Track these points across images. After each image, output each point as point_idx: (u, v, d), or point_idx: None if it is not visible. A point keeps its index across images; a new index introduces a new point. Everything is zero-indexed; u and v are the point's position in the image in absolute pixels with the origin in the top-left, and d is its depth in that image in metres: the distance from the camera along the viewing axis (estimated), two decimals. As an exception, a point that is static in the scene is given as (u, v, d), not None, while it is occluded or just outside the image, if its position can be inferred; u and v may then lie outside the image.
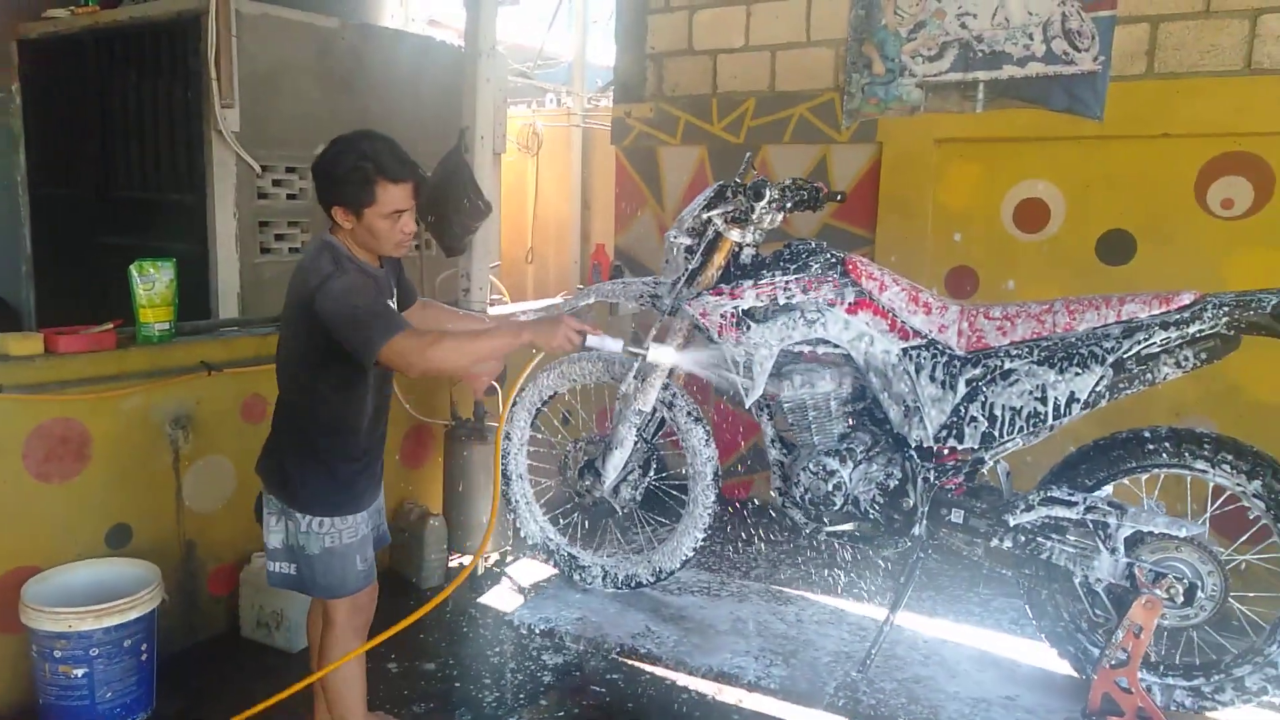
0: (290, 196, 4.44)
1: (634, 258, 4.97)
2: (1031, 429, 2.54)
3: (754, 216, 2.83)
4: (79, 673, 2.60)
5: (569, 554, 3.46)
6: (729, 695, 2.91)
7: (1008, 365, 2.53)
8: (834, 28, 4.17)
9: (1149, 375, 2.45)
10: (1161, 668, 2.60)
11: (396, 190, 2.22)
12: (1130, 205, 3.58)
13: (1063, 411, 2.49)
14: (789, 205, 2.94)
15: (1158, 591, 2.39)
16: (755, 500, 4.58)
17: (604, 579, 3.39)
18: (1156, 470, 2.55)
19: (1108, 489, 2.61)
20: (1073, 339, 2.48)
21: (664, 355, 2.34)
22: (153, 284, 2.99)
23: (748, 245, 2.94)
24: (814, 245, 2.85)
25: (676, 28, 4.67)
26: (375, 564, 2.48)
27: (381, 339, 2.11)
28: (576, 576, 3.43)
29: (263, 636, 3.18)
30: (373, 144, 2.24)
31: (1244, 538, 2.69)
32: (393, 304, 2.42)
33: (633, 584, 3.35)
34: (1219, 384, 3.42)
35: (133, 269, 2.97)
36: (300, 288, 2.22)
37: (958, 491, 2.68)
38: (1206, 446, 2.47)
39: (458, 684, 2.99)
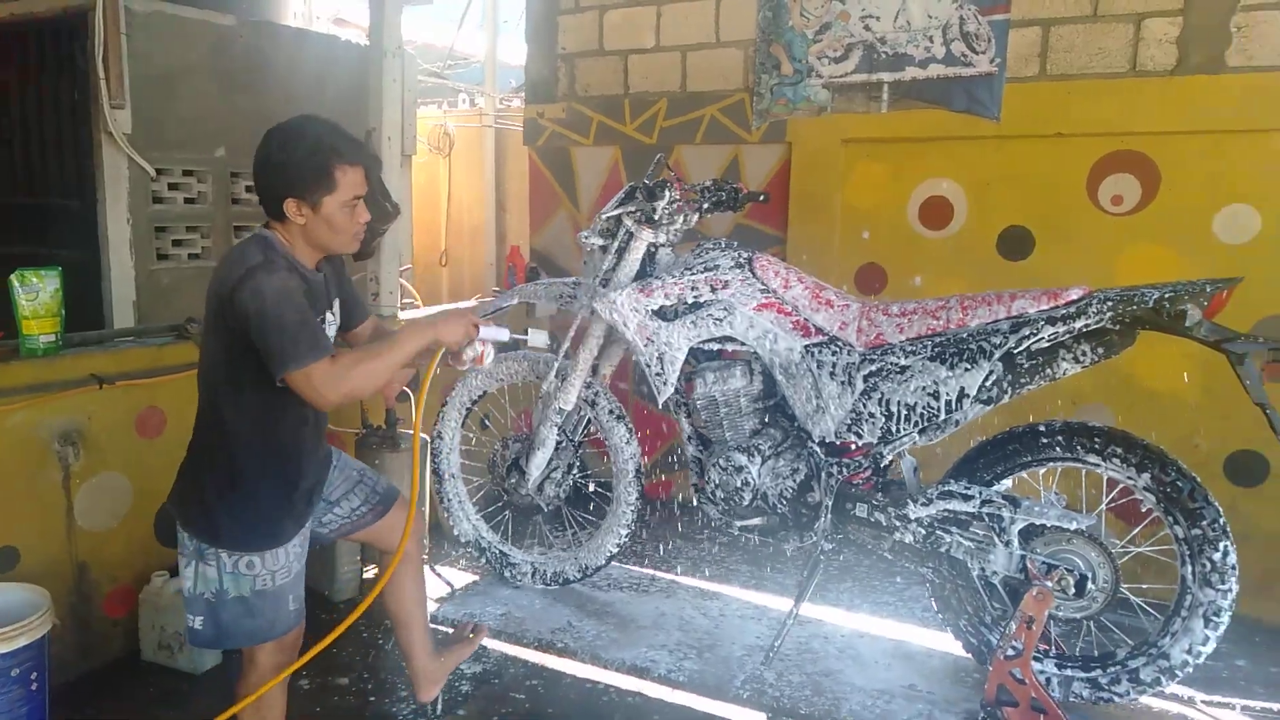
0: (188, 200, 4.28)
1: (550, 259, 4.93)
2: (927, 425, 2.57)
3: (657, 217, 2.85)
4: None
5: (500, 551, 3.50)
6: (650, 694, 2.91)
7: (903, 362, 2.55)
8: (743, 29, 4.21)
9: (1048, 370, 2.49)
10: (1060, 659, 2.66)
11: (354, 173, 2.09)
12: (1028, 202, 3.70)
13: (954, 407, 2.51)
14: (705, 206, 2.99)
15: (1048, 584, 2.44)
16: (680, 497, 4.60)
17: (533, 575, 3.43)
18: (1051, 464, 2.60)
19: (1006, 483, 2.66)
20: (964, 335, 2.50)
21: (543, 339, 2.41)
22: (36, 294, 2.84)
23: (662, 245, 2.96)
24: (724, 244, 2.89)
25: (587, 28, 4.65)
26: (304, 603, 2.26)
27: (299, 358, 1.92)
28: (507, 574, 3.46)
29: (165, 659, 3.05)
30: (323, 126, 2.11)
31: (1138, 529, 2.81)
32: (333, 316, 2.24)
33: (560, 580, 3.39)
34: (1114, 375, 3.56)
35: (13, 279, 2.81)
36: (221, 281, 2.00)
37: (865, 486, 2.72)
38: (1097, 440, 2.52)
39: (372, 699, 2.92)
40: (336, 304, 2.28)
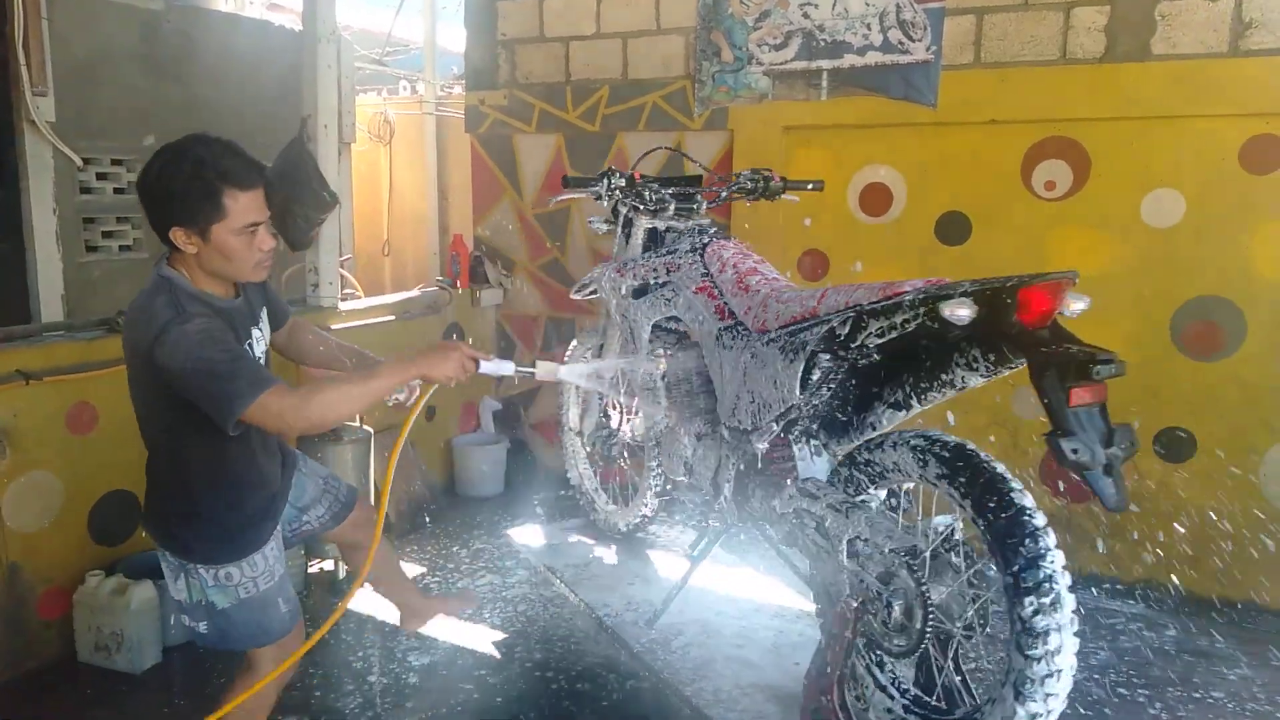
0: (118, 190, 4.16)
1: (494, 247, 4.89)
2: (780, 416, 2.32)
3: (645, 205, 2.96)
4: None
5: (591, 498, 3.70)
6: (597, 684, 2.93)
7: (761, 348, 2.38)
8: (683, 16, 4.21)
9: (944, 377, 2.08)
10: (914, 702, 2.22)
11: (247, 199, 1.91)
12: (964, 188, 3.77)
13: (786, 399, 2.25)
14: (724, 194, 3.01)
15: (852, 601, 2.12)
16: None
17: (604, 521, 3.63)
18: (900, 478, 2.23)
19: (872, 489, 2.33)
20: (801, 325, 2.24)
21: (549, 371, 2.26)
22: (-44, 288, 2.74)
23: (671, 227, 3.02)
24: (699, 228, 2.90)
25: (527, 14, 4.62)
26: (298, 602, 2.22)
27: (244, 398, 1.80)
28: (591, 516, 3.70)
29: (102, 660, 2.97)
30: (210, 148, 1.90)
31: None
32: (260, 332, 2.14)
33: (614, 531, 3.58)
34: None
35: (-68, 272, 2.72)
36: (136, 341, 1.89)
37: (774, 473, 2.56)
38: (943, 456, 2.07)
39: (318, 693, 2.89)
40: (263, 316, 2.18)
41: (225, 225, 1.89)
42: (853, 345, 2.08)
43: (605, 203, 3.07)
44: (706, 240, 2.84)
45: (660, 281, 2.86)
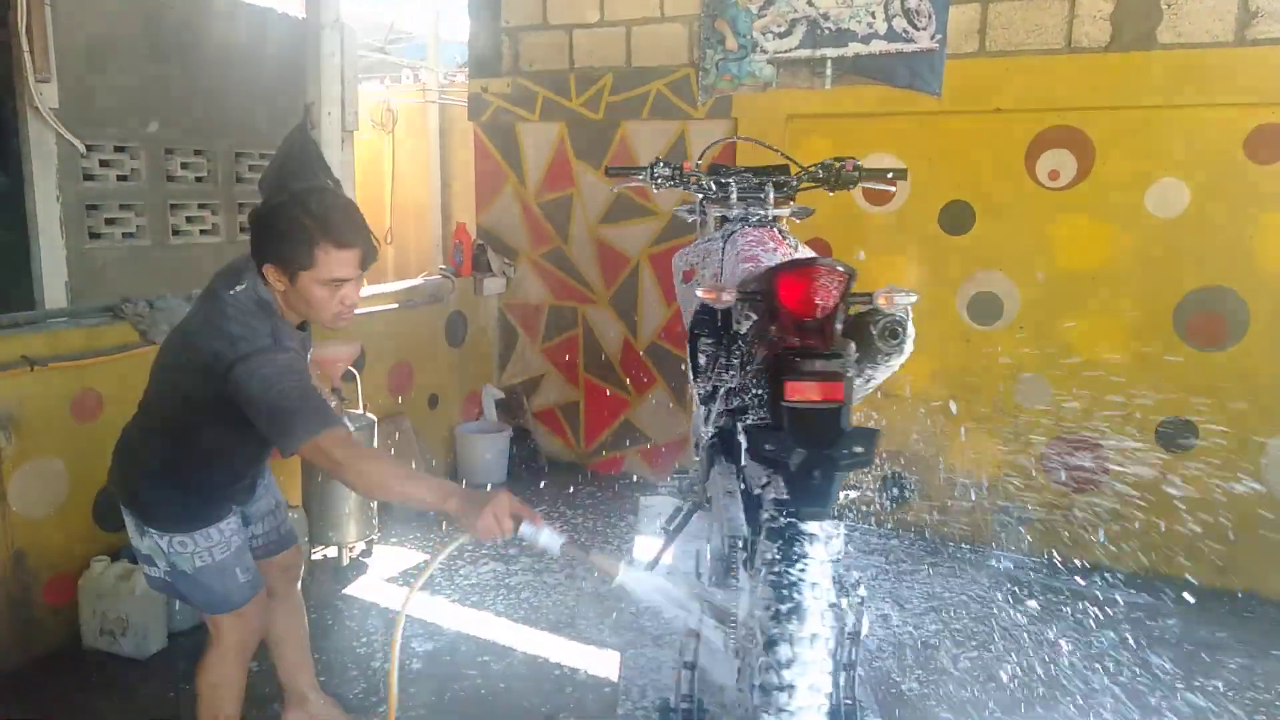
0: (121, 178, 4.16)
1: (497, 236, 4.89)
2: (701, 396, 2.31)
3: (710, 197, 2.80)
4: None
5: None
6: (601, 672, 2.94)
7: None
8: (687, 3, 4.20)
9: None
10: None
11: (341, 256, 1.98)
12: (968, 178, 3.76)
13: (698, 383, 2.18)
14: (797, 183, 2.82)
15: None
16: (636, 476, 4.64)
17: None
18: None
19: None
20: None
21: (606, 566, 1.88)
22: (-39, 274, 2.75)
23: (737, 216, 2.91)
24: (748, 217, 2.73)
25: (530, 2, 4.60)
26: (259, 573, 2.29)
27: (307, 433, 1.87)
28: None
29: (107, 645, 2.99)
30: (322, 201, 2.00)
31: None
32: (307, 363, 2.22)
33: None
34: (1051, 345, 3.66)
35: (-63, 258, 2.72)
36: (218, 344, 1.95)
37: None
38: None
39: (322, 678, 2.89)
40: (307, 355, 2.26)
41: (311, 275, 1.98)
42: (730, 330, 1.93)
43: (654, 190, 2.98)
44: (735, 228, 2.80)
45: (693, 265, 2.85)
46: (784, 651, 1.51)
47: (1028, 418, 3.71)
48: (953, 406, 3.85)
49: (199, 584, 2.18)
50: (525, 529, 1.86)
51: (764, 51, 4.01)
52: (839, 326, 1.61)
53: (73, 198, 3.95)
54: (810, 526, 1.55)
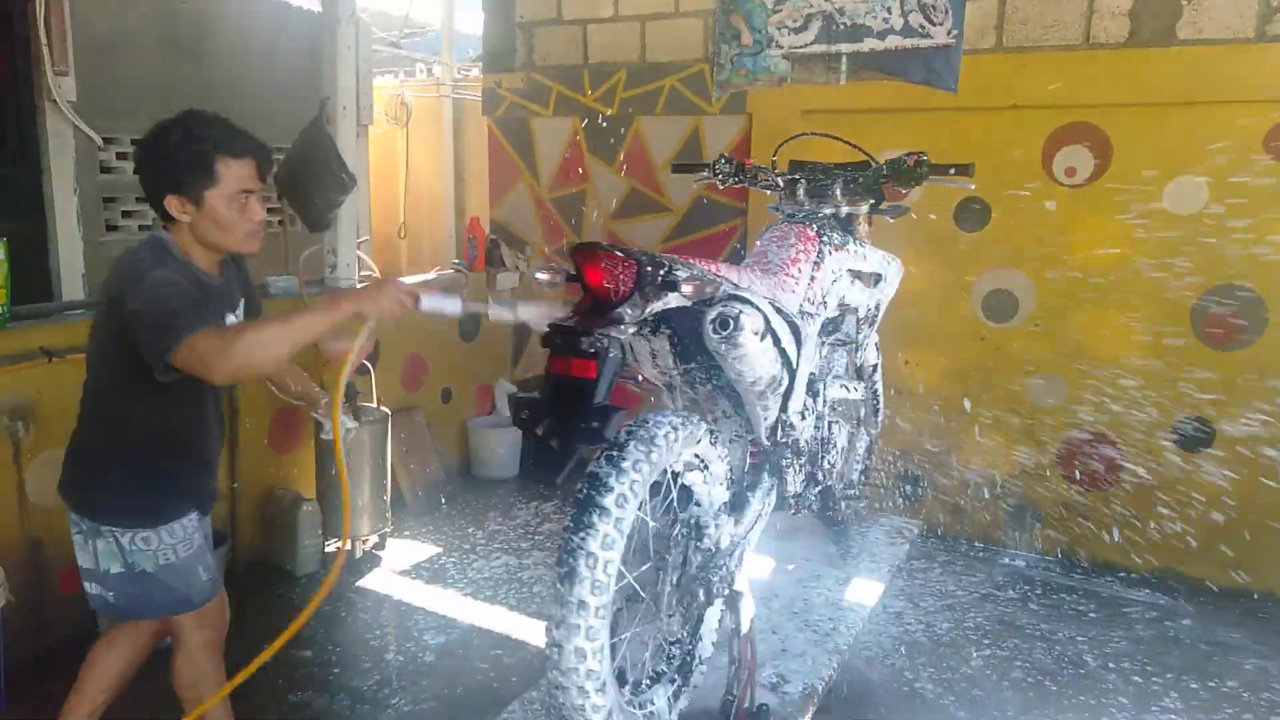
0: (137, 171, 4.17)
1: (510, 230, 4.90)
2: None
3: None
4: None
5: None
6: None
7: None
8: (702, -2, 4.19)
9: None
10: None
11: (240, 166, 1.97)
12: (984, 174, 3.69)
13: None
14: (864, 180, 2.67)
15: None
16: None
17: None
18: None
19: None
20: None
21: (504, 312, 2.02)
22: (-19, 265, 2.77)
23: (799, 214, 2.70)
24: (816, 212, 2.63)
25: (545, -4, 4.60)
26: (219, 571, 2.23)
27: (176, 339, 1.78)
28: None
29: (123, 635, 3.01)
30: (204, 119, 1.98)
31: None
32: (235, 318, 2.14)
33: None
34: (1065, 344, 3.64)
35: (-43, 249, 2.74)
36: (112, 285, 1.94)
37: None
38: None
39: (336, 670, 2.92)
40: (241, 305, 2.20)
41: (218, 191, 1.94)
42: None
43: (720, 185, 2.77)
44: (769, 226, 2.72)
45: None
46: (554, 611, 1.55)
47: (1042, 415, 3.69)
48: (966, 404, 3.83)
49: (160, 583, 2.08)
50: (425, 302, 1.97)
51: (779, 46, 4.00)
52: (628, 311, 1.65)
53: (90, 190, 3.97)
54: (604, 499, 1.54)
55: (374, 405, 3.75)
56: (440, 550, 3.78)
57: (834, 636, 2.35)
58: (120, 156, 4.11)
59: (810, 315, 2.27)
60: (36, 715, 2.66)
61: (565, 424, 1.60)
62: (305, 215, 3.68)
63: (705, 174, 2.76)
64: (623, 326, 1.64)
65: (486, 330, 4.79)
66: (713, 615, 1.96)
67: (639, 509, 1.61)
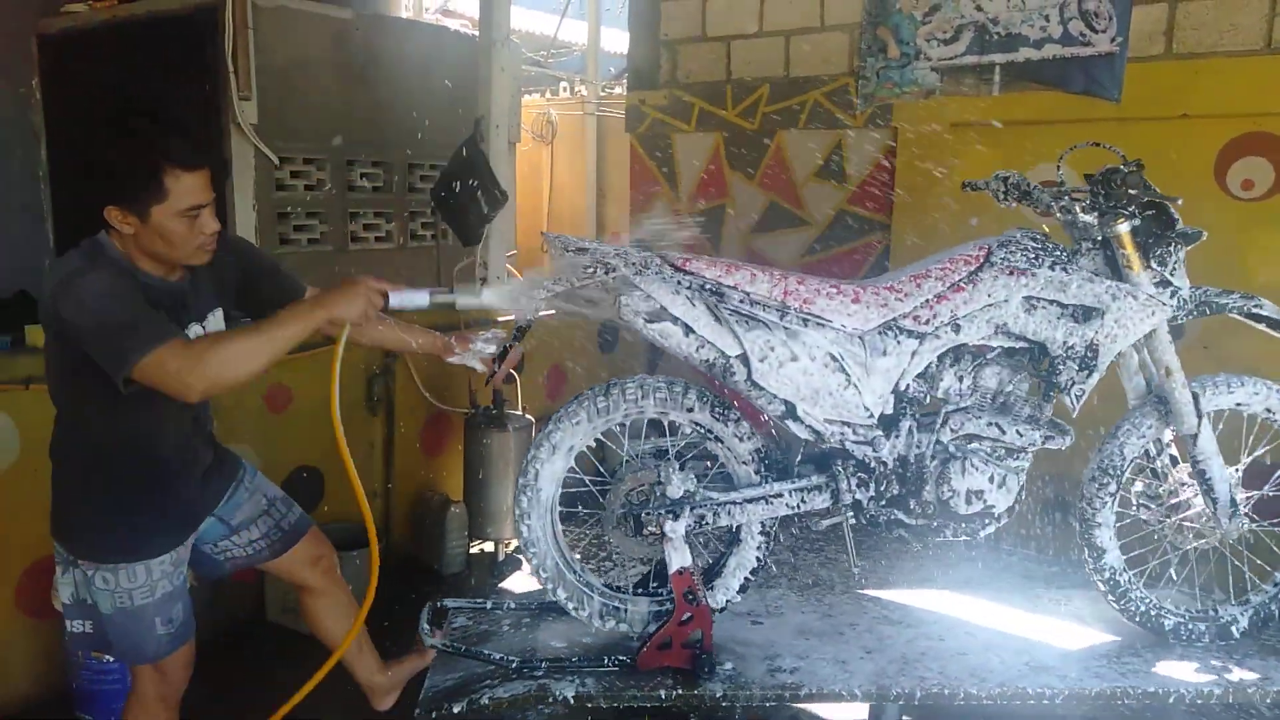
0: (308, 188, 4.47)
1: (650, 247, 4.97)
2: None
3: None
4: (110, 658, 2.65)
5: None
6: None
7: None
8: (848, 12, 4.15)
9: None
10: None
11: (191, 180, 1.76)
12: (1148, 187, 3.55)
13: None
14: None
15: None
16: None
17: None
18: None
19: None
20: None
21: (470, 300, 2.09)
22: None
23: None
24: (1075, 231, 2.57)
25: (690, 14, 4.66)
26: (192, 623, 2.08)
27: (138, 351, 1.66)
28: None
29: (289, 621, 3.24)
30: (153, 124, 1.77)
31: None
32: (202, 328, 1.96)
33: None
34: (1242, 365, 3.41)
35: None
36: (49, 301, 1.77)
37: None
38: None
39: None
40: (217, 313, 2.04)
41: (166, 208, 1.75)
42: None
43: (1001, 204, 2.68)
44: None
45: None
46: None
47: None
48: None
49: (114, 629, 1.97)
50: (395, 299, 1.95)
51: (928, 59, 3.92)
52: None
53: (267, 206, 4.28)
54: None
55: (520, 412, 3.88)
56: (577, 555, 3.86)
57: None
58: (294, 175, 4.41)
59: (909, 332, 2.22)
60: (215, 696, 2.87)
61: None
62: (459, 230, 3.86)
63: (994, 186, 2.61)
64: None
65: (624, 344, 4.88)
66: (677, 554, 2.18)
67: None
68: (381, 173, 4.80)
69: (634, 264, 2.12)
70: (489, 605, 2.49)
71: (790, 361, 2.15)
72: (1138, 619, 2.50)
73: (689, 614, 2.16)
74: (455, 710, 2.03)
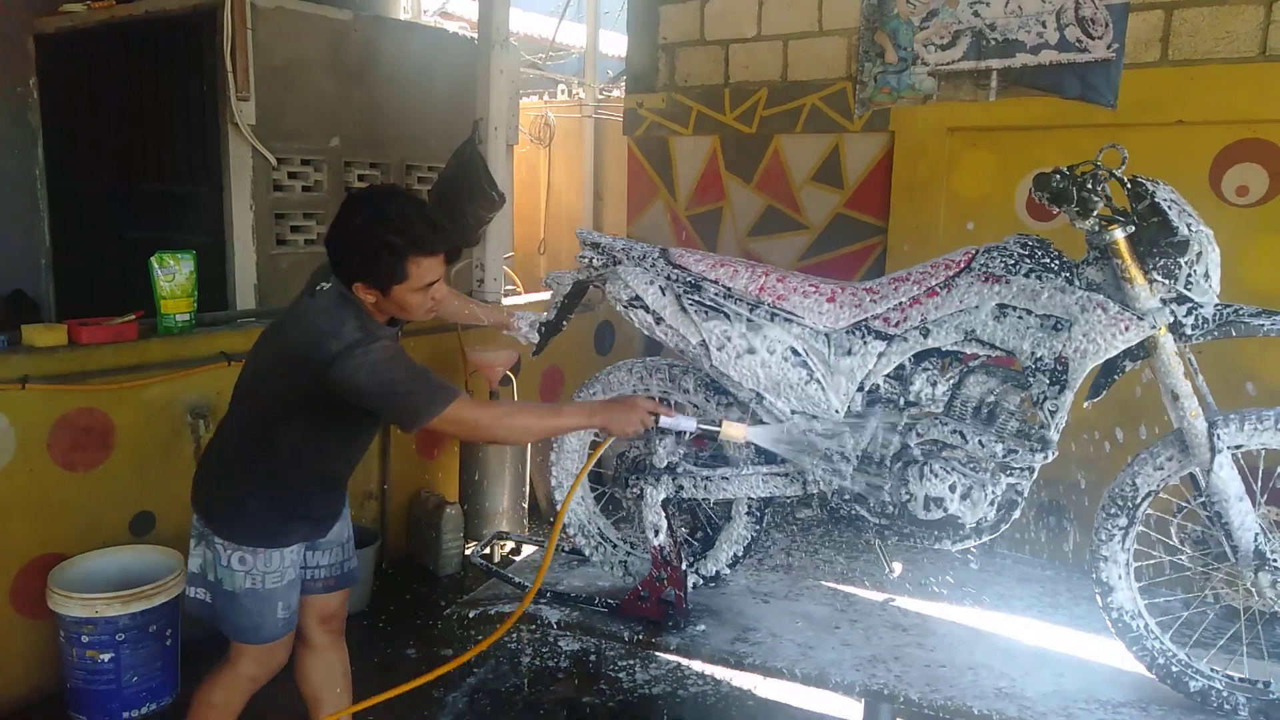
0: (305, 189, 4.48)
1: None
2: None
3: None
4: (106, 657, 2.66)
5: None
6: (734, 682, 2.94)
7: None
8: (846, 17, 4.16)
9: None
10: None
11: (430, 263, 1.97)
12: (1144, 193, 3.56)
13: None
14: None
15: None
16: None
17: None
18: None
19: None
20: None
21: (737, 431, 2.23)
22: (173, 275, 3.03)
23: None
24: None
25: (688, 18, 4.67)
26: (296, 617, 2.21)
27: (433, 408, 1.92)
28: None
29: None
30: (401, 210, 1.96)
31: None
32: None
33: None
34: (1237, 371, 3.42)
35: (154, 261, 3.01)
36: (311, 347, 1.94)
37: None
38: None
39: (476, 669, 3.03)
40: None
41: (406, 286, 1.97)
42: None
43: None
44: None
45: None
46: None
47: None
48: (1119, 435, 3.65)
49: (238, 607, 2.11)
50: (665, 421, 2.18)
51: (925, 64, 3.94)
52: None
53: (264, 206, 4.29)
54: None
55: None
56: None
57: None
58: (291, 176, 4.41)
59: (877, 334, 2.25)
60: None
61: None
62: (456, 231, 3.86)
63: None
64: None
65: (619, 346, 4.89)
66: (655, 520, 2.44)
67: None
68: (379, 174, 4.80)
69: (634, 256, 2.43)
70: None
71: (748, 353, 2.27)
72: (1155, 671, 2.28)
73: (662, 573, 2.44)
74: (471, 615, 2.61)
